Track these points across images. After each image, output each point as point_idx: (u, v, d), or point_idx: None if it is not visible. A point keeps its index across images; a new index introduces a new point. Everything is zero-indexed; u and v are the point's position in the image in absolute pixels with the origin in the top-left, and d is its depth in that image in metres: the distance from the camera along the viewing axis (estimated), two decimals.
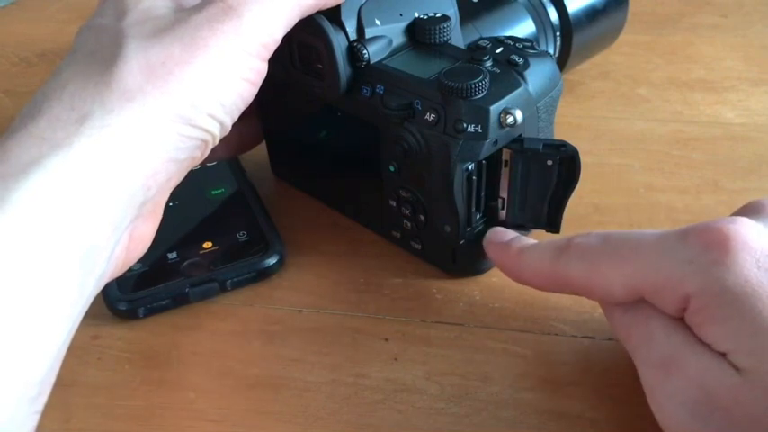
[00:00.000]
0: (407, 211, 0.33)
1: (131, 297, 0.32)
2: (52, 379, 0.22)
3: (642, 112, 0.45)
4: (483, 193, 0.31)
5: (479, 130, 0.28)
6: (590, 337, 0.30)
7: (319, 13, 0.29)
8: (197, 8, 0.26)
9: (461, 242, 0.31)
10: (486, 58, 0.30)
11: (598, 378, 0.28)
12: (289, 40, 0.28)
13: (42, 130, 0.23)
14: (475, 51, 0.31)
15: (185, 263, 0.33)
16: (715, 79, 0.48)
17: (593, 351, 0.29)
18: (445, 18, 0.31)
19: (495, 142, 0.29)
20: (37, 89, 0.25)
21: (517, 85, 0.29)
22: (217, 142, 0.27)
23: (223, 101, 0.26)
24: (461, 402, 0.28)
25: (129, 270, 0.24)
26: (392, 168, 0.32)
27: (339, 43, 0.30)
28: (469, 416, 0.27)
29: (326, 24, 0.29)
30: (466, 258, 0.33)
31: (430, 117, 0.29)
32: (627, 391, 0.28)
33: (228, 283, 0.33)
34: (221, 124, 0.26)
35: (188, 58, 0.24)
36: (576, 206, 0.31)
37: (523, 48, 0.31)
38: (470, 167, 0.29)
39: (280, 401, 0.28)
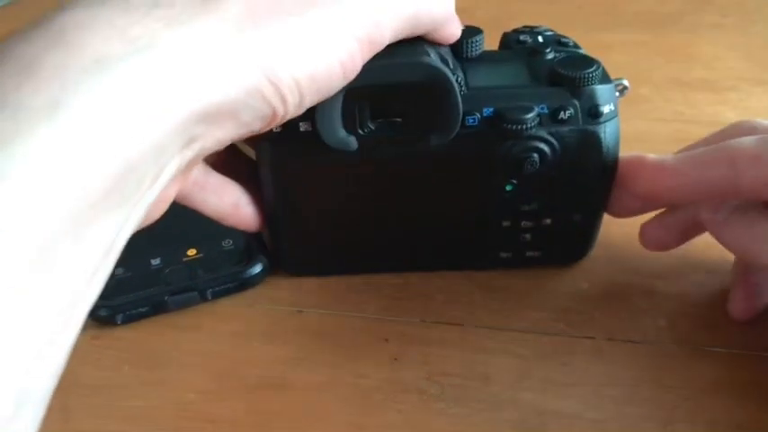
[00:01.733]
0: (529, 224, 0.31)
1: (111, 303, 0.31)
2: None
3: (643, 112, 0.45)
4: None
5: (612, 108, 0.28)
6: (590, 337, 0.30)
7: (403, 49, 0.25)
8: None
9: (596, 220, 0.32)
10: (547, 50, 0.29)
11: (598, 378, 0.28)
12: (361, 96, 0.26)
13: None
14: (526, 48, 0.30)
15: (167, 270, 0.33)
16: (716, 79, 0.48)
17: (592, 351, 0.29)
18: (478, 30, 0.29)
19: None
20: None
21: (594, 60, 0.29)
22: (278, 123, 0.23)
23: (314, 72, 0.22)
24: (461, 402, 0.28)
25: (112, 275, 0.22)
26: (509, 188, 0.30)
27: (453, 78, 0.26)
28: (469, 416, 0.27)
29: (438, 62, 0.26)
30: (593, 239, 0.33)
31: (565, 115, 0.28)
32: (627, 391, 0.28)
33: (209, 292, 0.32)
34: (300, 98, 0.22)
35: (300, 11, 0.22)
36: None
37: (543, 32, 0.31)
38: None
39: (280, 401, 0.28)
